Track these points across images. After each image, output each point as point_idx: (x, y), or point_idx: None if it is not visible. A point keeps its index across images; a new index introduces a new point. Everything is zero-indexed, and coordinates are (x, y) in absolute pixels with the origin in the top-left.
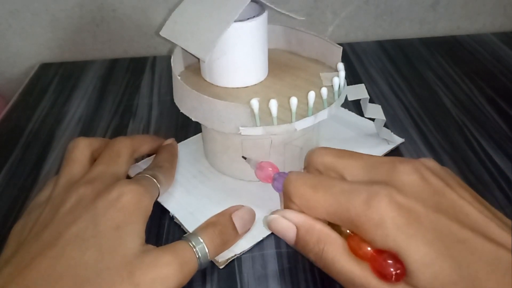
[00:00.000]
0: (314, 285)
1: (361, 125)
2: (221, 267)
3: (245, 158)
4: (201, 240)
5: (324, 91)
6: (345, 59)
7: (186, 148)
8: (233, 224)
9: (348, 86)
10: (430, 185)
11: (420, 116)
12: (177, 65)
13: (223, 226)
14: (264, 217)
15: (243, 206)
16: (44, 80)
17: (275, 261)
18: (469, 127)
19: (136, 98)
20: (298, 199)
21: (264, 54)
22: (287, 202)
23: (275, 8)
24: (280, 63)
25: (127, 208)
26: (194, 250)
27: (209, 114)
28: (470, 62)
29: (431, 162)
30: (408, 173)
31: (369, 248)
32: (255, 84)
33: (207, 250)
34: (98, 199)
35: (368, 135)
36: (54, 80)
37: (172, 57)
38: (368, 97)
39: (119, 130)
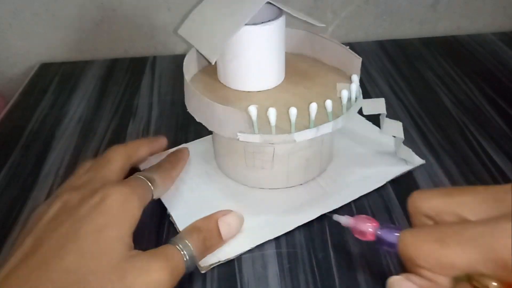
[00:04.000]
0: (314, 285)
1: (377, 139)
2: (202, 272)
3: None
4: (189, 244)
5: (328, 103)
6: None
7: (199, 147)
8: (218, 230)
9: (365, 99)
10: None
11: (420, 116)
12: (192, 66)
13: (208, 232)
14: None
15: (231, 211)
16: (44, 80)
17: (275, 261)
18: (469, 127)
19: (136, 98)
20: (425, 261)
21: (279, 60)
22: (412, 268)
23: (293, 14)
24: (300, 70)
25: (110, 210)
26: (182, 253)
27: (210, 116)
28: (470, 62)
29: None
30: None
31: None
32: (268, 89)
33: (194, 254)
34: (82, 203)
35: (384, 152)
36: (54, 80)
37: (185, 58)
38: (385, 112)
39: (119, 130)
